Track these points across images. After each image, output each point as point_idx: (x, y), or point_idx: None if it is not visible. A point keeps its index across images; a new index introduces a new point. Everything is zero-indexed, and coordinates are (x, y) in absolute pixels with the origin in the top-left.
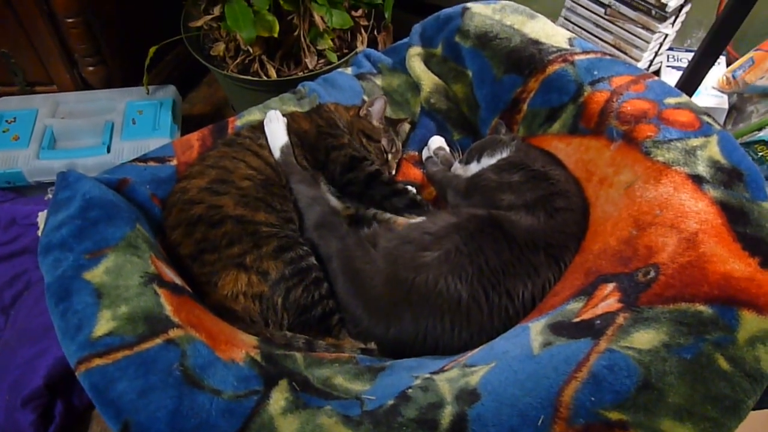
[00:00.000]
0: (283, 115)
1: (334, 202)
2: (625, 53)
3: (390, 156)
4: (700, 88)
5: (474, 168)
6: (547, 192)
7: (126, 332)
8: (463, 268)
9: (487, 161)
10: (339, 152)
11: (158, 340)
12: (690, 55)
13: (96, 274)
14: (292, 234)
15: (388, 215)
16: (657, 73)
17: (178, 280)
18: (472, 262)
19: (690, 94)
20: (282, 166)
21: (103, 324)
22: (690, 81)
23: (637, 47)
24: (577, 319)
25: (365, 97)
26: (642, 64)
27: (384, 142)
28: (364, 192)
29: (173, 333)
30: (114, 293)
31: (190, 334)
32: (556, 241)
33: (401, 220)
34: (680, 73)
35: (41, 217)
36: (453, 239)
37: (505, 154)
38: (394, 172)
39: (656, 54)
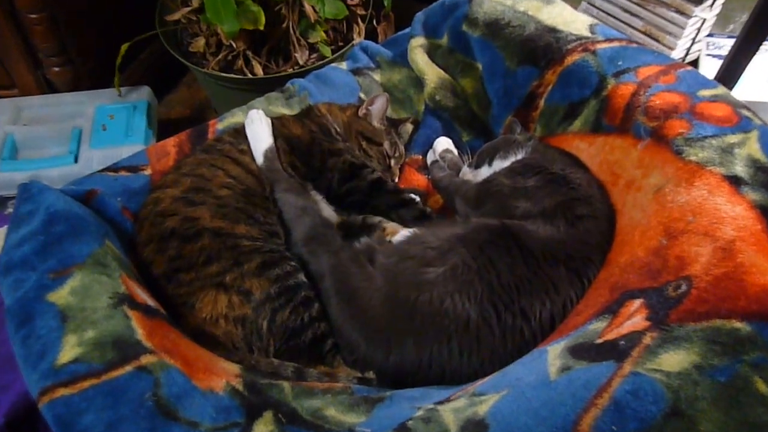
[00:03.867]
0: (272, 119)
1: (327, 212)
2: (658, 41)
3: (393, 161)
4: (743, 78)
5: (485, 172)
6: (567, 198)
7: (93, 359)
8: (472, 285)
9: (500, 164)
10: (337, 158)
11: (129, 368)
12: (732, 42)
13: (61, 296)
14: (278, 248)
15: (376, 219)
16: (695, 63)
17: (151, 302)
18: (481, 278)
19: (731, 86)
20: (265, 172)
21: (68, 350)
22: (731, 71)
23: (671, 34)
24: (600, 340)
25: (362, 95)
26: (677, 54)
27: (386, 145)
28: (368, 202)
29: (145, 359)
30: (80, 316)
31: (164, 360)
32: (578, 254)
33: (391, 226)
34: (722, 62)
35: (0, 233)
36: (459, 253)
37: (519, 156)
38: (397, 179)
39: (693, 41)
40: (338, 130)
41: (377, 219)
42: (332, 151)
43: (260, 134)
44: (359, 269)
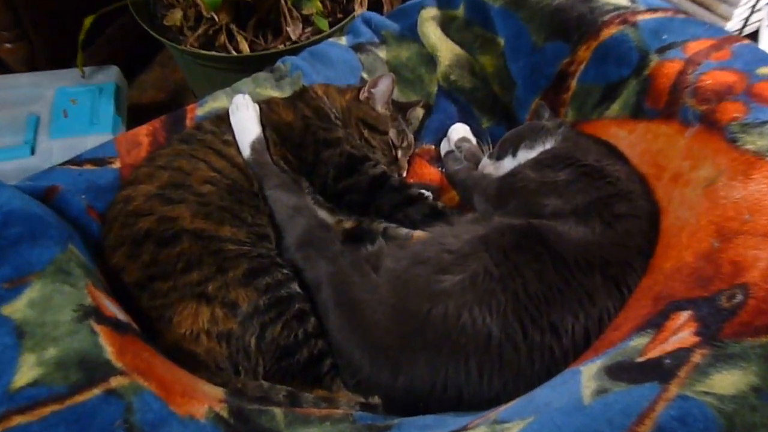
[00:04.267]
0: (258, 103)
1: (323, 213)
2: (710, 10)
3: (400, 152)
4: None
5: (508, 164)
6: (603, 194)
7: (55, 381)
8: (494, 295)
9: (526, 155)
10: (333, 150)
11: (96, 391)
12: None
13: (17, 308)
14: (268, 253)
15: (404, 231)
16: (754, 36)
17: (121, 315)
18: (505, 287)
19: None
20: (253, 167)
21: (26, 371)
22: None
23: (726, 2)
24: (642, 359)
25: (364, 75)
26: (733, 25)
27: (392, 134)
28: (368, 201)
29: (116, 381)
30: (40, 332)
31: (136, 382)
32: (616, 259)
33: (419, 234)
34: None
35: None
36: (481, 258)
37: (548, 146)
38: (405, 173)
39: (753, 10)
40: (337, 115)
41: (404, 231)
42: (328, 140)
43: (247, 123)
44: (362, 278)
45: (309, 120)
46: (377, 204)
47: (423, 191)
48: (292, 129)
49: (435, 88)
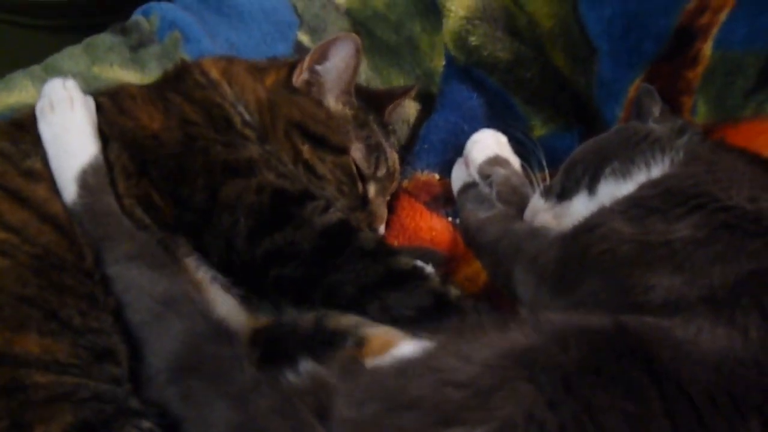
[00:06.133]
0: (96, 96)
1: (225, 306)
2: None
3: (372, 188)
4: None
5: (581, 208)
6: (764, 265)
7: None
8: None
9: (614, 190)
10: (242, 183)
11: None
12: None
13: None
14: (112, 389)
15: (351, 320)
16: None
17: None
18: None
19: None
20: (85, 220)
21: None
22: None
23: None
24: None
25: (303, 37)
26: None
27: (357, 152)
28: (315, 278)
29: None
30: None
31: None
32: None
33: (379, 335)
34: None
35: None
36: (520, 394)
37: (657, 171)
38: (382, 228)
39: None
40: (247, 118)
41: (353, 320)
42: (231, 165)
43: (72, 135)
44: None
45: (194, 129)
46: (332, 282)
47: (419, 263)
48: (162, 146)
49: (441, 63)
